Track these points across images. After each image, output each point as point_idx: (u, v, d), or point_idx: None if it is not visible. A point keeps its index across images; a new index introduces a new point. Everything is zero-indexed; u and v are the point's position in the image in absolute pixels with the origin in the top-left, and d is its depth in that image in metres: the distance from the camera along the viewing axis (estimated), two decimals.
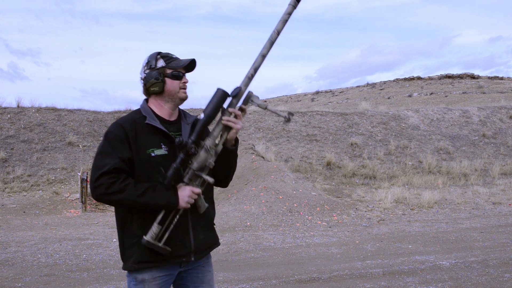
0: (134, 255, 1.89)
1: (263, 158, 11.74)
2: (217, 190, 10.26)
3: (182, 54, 1.99)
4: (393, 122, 16.38)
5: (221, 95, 1.92)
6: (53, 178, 11.74)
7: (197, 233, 1.97)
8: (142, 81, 1.97)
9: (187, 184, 1.89)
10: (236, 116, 1.93)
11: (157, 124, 1.91)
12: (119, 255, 2.00)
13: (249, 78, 1.93)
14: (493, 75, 42.02)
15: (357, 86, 47.78)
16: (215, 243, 2.12)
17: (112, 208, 10.09)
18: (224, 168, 2.04)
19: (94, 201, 10.75)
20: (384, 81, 45.98)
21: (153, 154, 1.87)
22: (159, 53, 1.96)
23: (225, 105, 1.93)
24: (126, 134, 1.85)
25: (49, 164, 12.24)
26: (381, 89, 42.02)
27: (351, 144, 14.63)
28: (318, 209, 8.70)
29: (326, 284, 4.49)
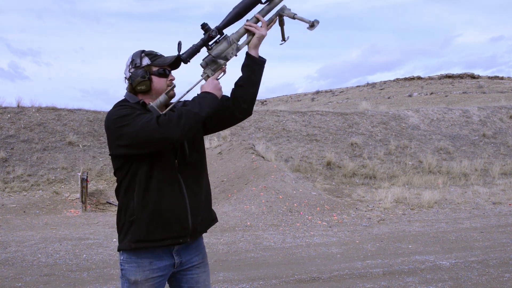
0: (130, 233, 1.87)
1: (263, 158, 11.73)
2: (217, 190, 10.25)
3: None
4: (393, 122, 16.39)
5: None
6: (53, 178, 11.75)
7: (195, 216, 1.95)
8: (128, 81, 1.94)
9: (204, 67, 1.94)
10: (261, 24, 1.97)
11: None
12: (119, 255, 1.99)
13: None
14: (494, 75, 42.02)
15: (357, 86, 47.78)
16: (213, 219, 2.14)
17: (112, 208, 9.98)
18: (247, 83, 1.99)
19: (94, 201, 10.71)
20: (384, 81, 45.95)
21: None
22: (143, 51, 1.94)
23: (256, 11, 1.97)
24: (133, 108, 1.86)
25: (49, 164, 12.25)
26: (381, 89, 42.01)
27: (351, 144, 14.64)
28: (318, 209, 8.70)
29: (326, 284, 4.49)
